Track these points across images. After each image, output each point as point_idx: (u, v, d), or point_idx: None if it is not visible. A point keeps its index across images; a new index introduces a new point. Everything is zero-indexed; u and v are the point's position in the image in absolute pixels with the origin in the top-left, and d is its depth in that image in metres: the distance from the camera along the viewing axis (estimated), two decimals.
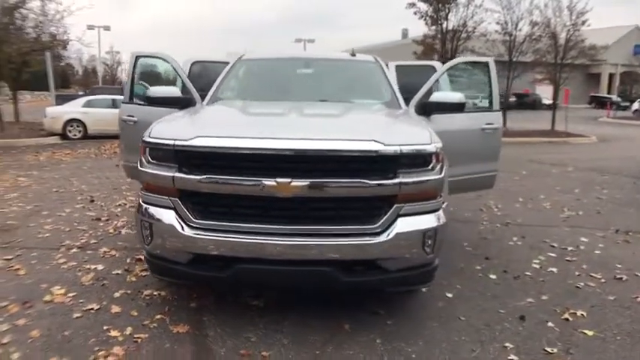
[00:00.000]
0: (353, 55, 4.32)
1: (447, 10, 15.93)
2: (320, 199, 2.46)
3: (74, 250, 4.01)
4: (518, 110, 28.09)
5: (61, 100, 15.90)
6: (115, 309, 2.93)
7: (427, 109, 3.79)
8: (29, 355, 2.43)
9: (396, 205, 2.48)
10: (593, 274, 3.63)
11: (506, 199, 6.31)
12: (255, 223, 2.50)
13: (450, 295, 3.21)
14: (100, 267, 3.61)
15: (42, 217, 5.05)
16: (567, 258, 4.01)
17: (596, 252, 4.20)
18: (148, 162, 2.63)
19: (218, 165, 2.48)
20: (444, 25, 16.17)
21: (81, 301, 3.04)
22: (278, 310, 2.92)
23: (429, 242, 2.57)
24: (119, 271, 3.53)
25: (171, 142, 2.53)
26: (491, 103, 4.37)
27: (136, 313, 2.88)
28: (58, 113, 13.64)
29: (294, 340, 2.60)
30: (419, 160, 2.51)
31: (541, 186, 7.35)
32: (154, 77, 6.49)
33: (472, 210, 5.67)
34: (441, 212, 2.64)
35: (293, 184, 2.39)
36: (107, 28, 33.34)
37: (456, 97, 3.70)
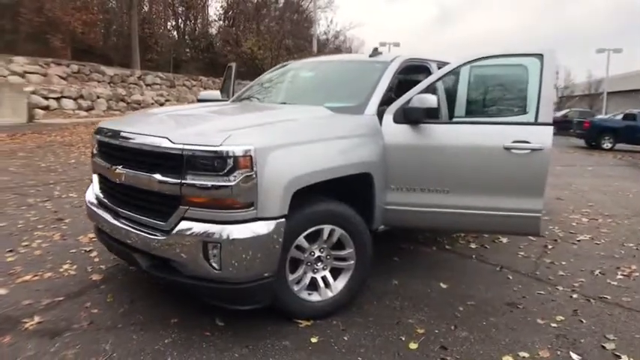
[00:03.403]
0: (372, 55, 3.87)
1: None
2: (133, 188, 2.63)
3: None
4: None
5: None
6: (93, 254, 3.84)
7: (407, 116, 3.13)
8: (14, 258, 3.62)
9: (180, 207, 2.39)
10: None
11: None
12: (107, 200, 2.91)
13: (311, 344, 2.65)
14: None
15: None
16: None
17: None
18: None
19: (99, 148, 3.02)
20: None
21: (90, 243, 4.09)
22: (161, 289, 3.17)
23: (215, 257, 2.34)
24: None
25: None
26: (537, 112, 3.13)
27: (97, 260, 3.72)
28: None
29: (101, 313, 2.84)
30: (205, 163, 2.32)
31: None
32: None
33: (595, 269, 3.96)
34: (242, 227, 2.34)
35: (117, 170, 2.68)
36: (397, 44, 36.65)
37: (428, 101, 2.95)
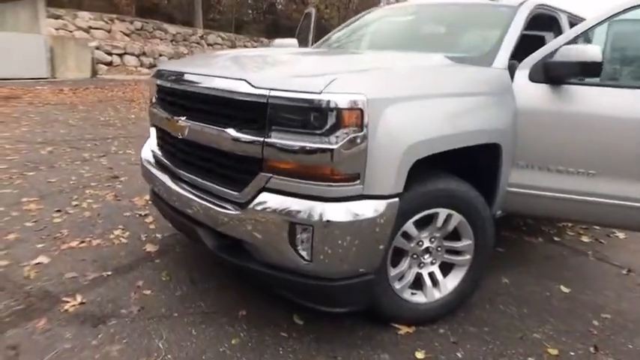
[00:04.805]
0: None
1: None
2: (199, 146, 2.05)
3: None
4: None
5: None
6: (149, 220, 3.38)
7: (548, 73, 2.35)
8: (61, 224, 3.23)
9: (261, 174, 1.79)
10: None
11: None
12: (166, 159, 2.37)
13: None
14: None
15: None
16: None
17: None
18: None
19: (158, 95, 2.46)
20: None
21: (146, 207, 3.64)
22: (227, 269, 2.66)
23: (304, 243, 1.74)
24: None
25: None
26: None
27: (152, 227, 3.26)
28: None
29: (154, 295, 2.37)
30: (299, 117, 1.68)
31: None
32: None
33: None
34: (342, 206, 1.71)
35: (180, 123, 2.11)
36: None
37: (586, 53, 2.16)
